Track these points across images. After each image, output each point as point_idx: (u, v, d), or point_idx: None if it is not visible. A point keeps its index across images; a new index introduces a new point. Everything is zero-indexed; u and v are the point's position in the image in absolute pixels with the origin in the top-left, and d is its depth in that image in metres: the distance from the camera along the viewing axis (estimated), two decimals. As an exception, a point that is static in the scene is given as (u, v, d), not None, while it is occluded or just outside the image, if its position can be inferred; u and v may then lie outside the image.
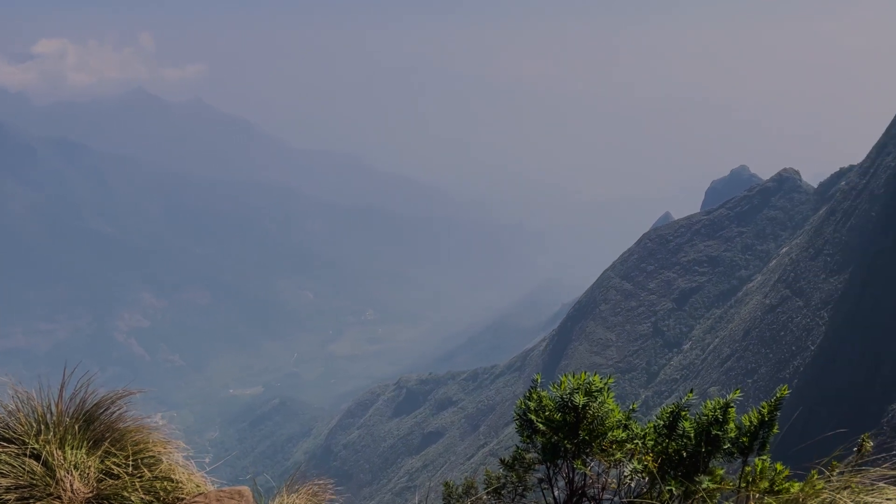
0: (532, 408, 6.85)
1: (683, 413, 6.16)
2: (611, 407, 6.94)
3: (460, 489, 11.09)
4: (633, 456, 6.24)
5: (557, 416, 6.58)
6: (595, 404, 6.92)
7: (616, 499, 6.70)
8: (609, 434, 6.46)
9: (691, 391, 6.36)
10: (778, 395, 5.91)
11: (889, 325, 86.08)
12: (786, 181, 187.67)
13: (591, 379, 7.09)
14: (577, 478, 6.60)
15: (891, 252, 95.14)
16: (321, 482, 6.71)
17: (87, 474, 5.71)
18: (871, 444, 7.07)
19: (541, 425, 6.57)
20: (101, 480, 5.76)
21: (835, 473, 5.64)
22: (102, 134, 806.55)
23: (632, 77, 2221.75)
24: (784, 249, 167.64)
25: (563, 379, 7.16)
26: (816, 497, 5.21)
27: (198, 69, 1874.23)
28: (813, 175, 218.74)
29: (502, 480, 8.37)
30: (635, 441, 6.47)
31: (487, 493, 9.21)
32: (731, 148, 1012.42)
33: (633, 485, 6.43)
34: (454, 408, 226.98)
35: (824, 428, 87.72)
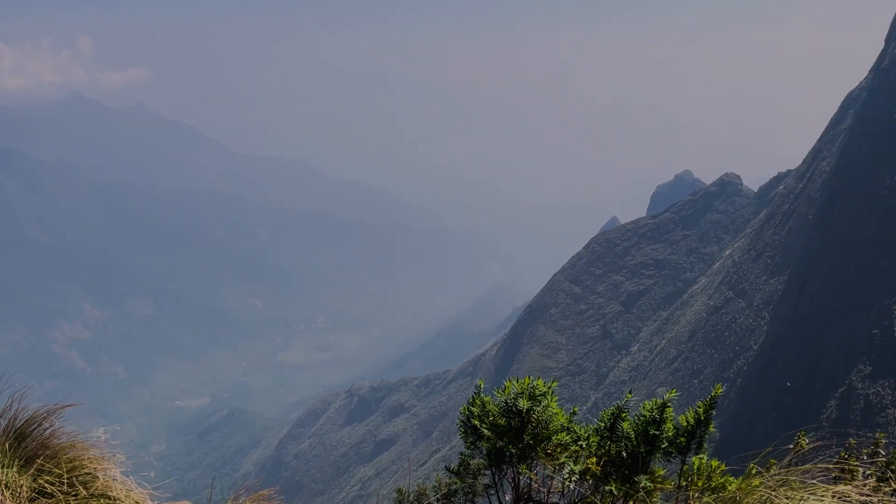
0: (476, 413, 6.88)
1: (623, 414, 6.28)
2: (555, 411, 7.00)
3: (412, 496, 11.06)
4: (576, 460, 6.33)
5: (502, 421, 6.63)
6: (539, 408, 6.96)
7: (562, 502, 6.76)
8: (553, 438, 6.53)
9: (630, 392, 6.49)
10: (713, 394, 6.08)
11: (826, 324, 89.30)
12: (728, 186, 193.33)
13: (534, 383, 7.13)
14: (522, 482, 6.66)
15: (827, 253, 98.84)
16: (269, 492, 6.60)
17: (19, 494, 5.52)
18: (807, 440, 7.33)
19: (485, 431, 6.61)
20: (34, 500, 5.57)
21: (772, 470, 5.80)
22: (40, 140, 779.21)
23: (579, 84, 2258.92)
24: (727, 252, 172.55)
25: (507, 384, 7.20)
26: (753, 494, 5.35)
27: (139, 73, 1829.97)
28: (753, 179, 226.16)
29: (453, 487, 8.38)
30: (579, 444, 6.56)
31: (438, 500, 9.19)
32: (676, 153, 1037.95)
33: (577, 488, 6.52)
34: (407, 414, 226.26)
35: (767, 425, 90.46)
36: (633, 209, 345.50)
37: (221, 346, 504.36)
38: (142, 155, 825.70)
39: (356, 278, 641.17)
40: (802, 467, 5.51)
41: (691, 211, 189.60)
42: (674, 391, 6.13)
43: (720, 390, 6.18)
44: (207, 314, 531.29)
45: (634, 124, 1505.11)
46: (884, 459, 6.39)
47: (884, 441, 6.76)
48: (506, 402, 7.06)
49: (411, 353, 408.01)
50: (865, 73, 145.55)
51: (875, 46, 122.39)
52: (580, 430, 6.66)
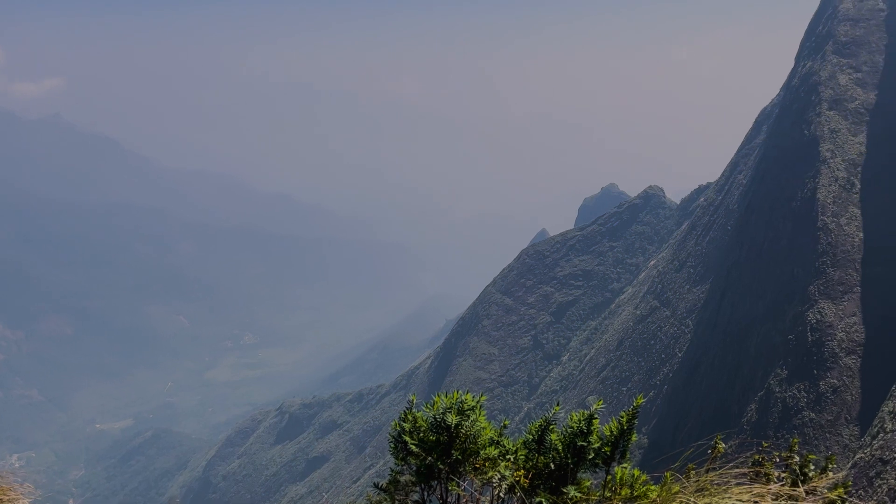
0: (407, 429, 6.81)
1: (551, 427, 6.33)
2: (483, 425, 6.98)
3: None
4: (502, 478, 6.32)
5: (431, 436, 6.57)
6: (467, 423, 6.93)
7: (492, 515, 6.73)
8: (482, 452, 6.51)
9: (557, 404, 6.56)
10: (635, 404, 6.19)
11: (745, 330, 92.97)
12: (651, 198, 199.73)
13: (463, 397, 7.10)
14: (451, 498, 6.61)
15: (745, 263, 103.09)
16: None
17: None
18: (724, 445, 7.56)
19: (413, 447, 6.54)
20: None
21: (691, 476, 5.94)
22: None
23: (509, 99, 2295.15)
24: (652, 262, 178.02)
25: (436, 399, 7.15)
26: (673, 500, 5.46)
27: (56, 83, 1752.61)
28: (676, 192, 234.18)
29: (384, 504, 8.25)
30: (507, 457, 6.56)
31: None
32: (602, 167, 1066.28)
33: (507, 500, 6.52)
34: (339, 430, 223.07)
35: (693, 430, 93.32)
36: (561, 221, 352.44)
37: (145, 366, 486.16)
38: (59, 168, 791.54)
39: (287, 293, 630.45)
40: (720, 471, 5.66)
41: (617, 223, 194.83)
42: (600, 402, 6.22)
43: (641, 400, 6.31)
44: (130, 333, 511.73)
45: (562, 139, 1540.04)
46: (798, 462, 6.66)
47: (797, 445, 7.05)
48: (434, 418, 7.00)
49: (344, 368, 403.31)
50: (777, 90, 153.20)
51: (786, 64, 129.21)
52: (509, 444, 6.67)
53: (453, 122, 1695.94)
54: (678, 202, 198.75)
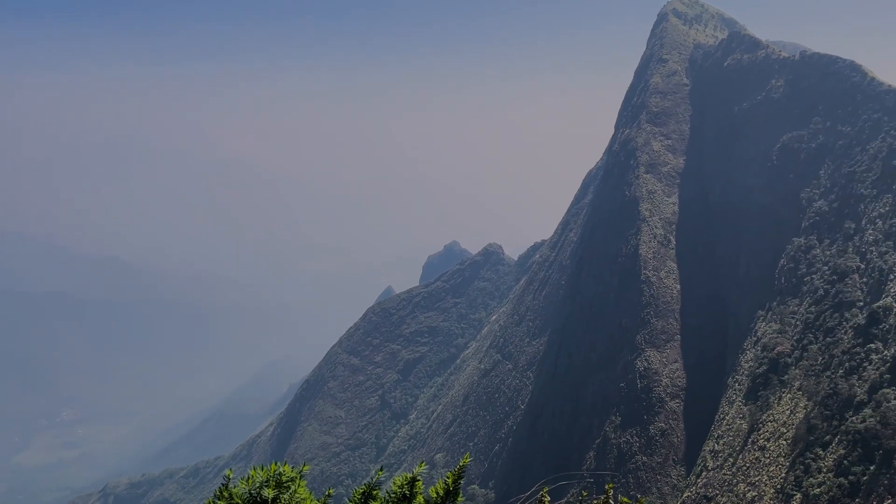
0: (221, 508, 5.89)
1: (374, 492, 5.64)
2: (303, 496, 6.26)
3: None
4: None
5: (248, 513, 5.69)
6: (286, 496, 6.22)
7: None
8: (302, 527, 5.68)
9: (381, 469, 5.86)
10: (461, 464, 5.73)
11: (581, 380, 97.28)
12: (491, 255, 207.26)
13: (281, 469, 6.39)
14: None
15: (578, 316, 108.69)
16: None
17: None
18: (549, 498, 7.17)
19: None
20: None
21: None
22: None
23: (352, 158, 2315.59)
24: (493, 317, 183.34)
25: (252, 472, 6.43)
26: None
27: None
28: (514, 249, 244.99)
29: None
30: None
31: None
32: (444, 225, 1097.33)
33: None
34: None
35: (537, 480, 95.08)
36: (407, 278, 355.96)
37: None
38: None
39: (111, 363, 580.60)
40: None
41: (460, 279, 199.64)
42: (423, 464, 5.62)
43: (468, 460, 5.88)
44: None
45: (406, 198, 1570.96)
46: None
47: (612, 490, 6.88)
48: (250, 493, 6.17)
49: (177, 442, 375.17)
50: (601, 155, 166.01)
51: (608, 130, 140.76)
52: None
53: (294, 179, 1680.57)
54: (516, 258, 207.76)
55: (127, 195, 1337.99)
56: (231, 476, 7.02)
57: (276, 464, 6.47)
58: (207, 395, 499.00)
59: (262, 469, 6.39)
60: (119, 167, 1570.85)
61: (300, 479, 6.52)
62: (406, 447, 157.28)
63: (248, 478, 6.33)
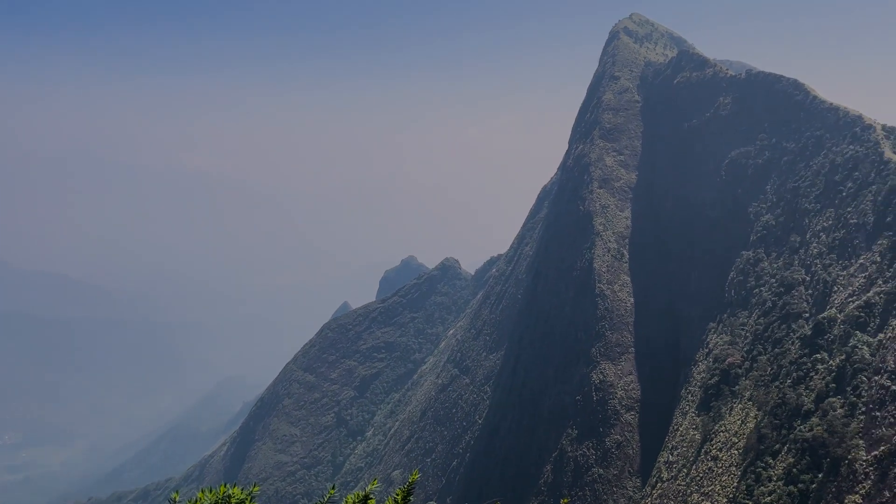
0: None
1: (328, 514, 5.48)
2: None
3: None
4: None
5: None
6: None
7: None
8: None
9: (333, 487, 5.72)
10: (410, 480, 5.63)
11: (538, 394, 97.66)
12: (448, 269, 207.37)
13: (230, 491, 6.16)
14: None
15: (535, 329, 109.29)
16: None
17: None
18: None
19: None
20: None
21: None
22: None
23: (309, 172, 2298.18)
24: (451, 331, 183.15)
25: (199, 495, 6.18)
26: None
27: None
28: (471, 263, 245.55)
29: None
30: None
31: None
32: (402, 238, 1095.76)
33: None
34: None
35: (495, 496, 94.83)
36: (364, 294, 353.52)
37: None
38: None
39: (57, 383, 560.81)
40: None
41: (417, 294, 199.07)
42: (375, 482, 5.49)
43: (416, 476, 5.78)
44: None
45: (363, 212, 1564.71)
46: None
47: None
48: None
49: (127, 463, 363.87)
50: (556, 170, 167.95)
51: (562, 146, 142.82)
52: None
53: (251, 195, 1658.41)
54: (473, 273, 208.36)
55: (75, 211, 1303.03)
56: (177, 499, 6.77)
57: (225, 485, 6.26)
58: (159, 415, 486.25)
59: (211, 491, 6.20)
60: (65, 182, 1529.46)
61: (250, 500, 6.32)
62: (363, 464, 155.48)
63: (196, 500, 6.13)
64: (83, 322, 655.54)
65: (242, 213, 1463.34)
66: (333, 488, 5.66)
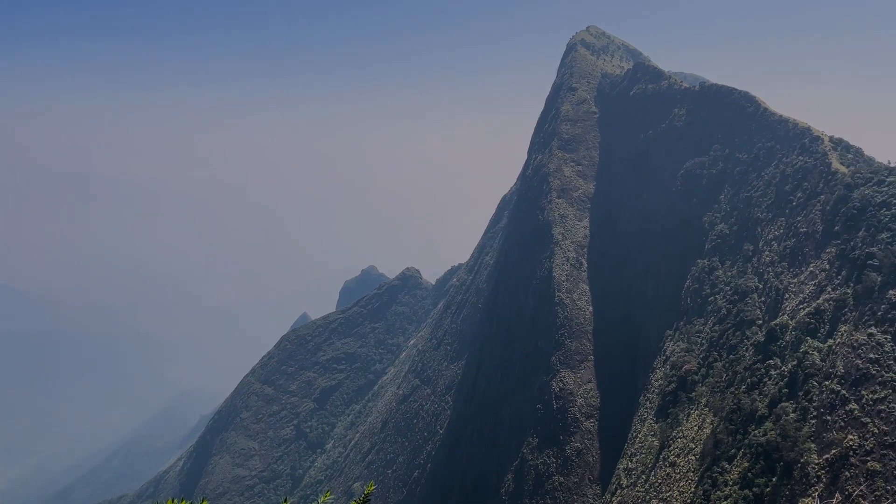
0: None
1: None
2: None
3: None
4: None
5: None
6: None
7: None
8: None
9: (285, 500, 5.52)
10: (366, 492, 5.49)
11: (499, 403, 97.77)
12: (409, 279, 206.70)
13: None
14: None
15: (495, 338, 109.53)
16: None
17: None
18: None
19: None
20: None
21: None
22: None
23: (269, 182, 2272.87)
24: (412, 342, 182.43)
25: None
26: None
27: None
28: (431, 272, 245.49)
29: None
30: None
31: None
32: (362, 248, 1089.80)
33: None
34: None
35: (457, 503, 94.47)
36: (323, 304, 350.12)
37: None
38: None
39: (3, 399, 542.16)
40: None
41: (378, 304, 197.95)
42: (329, 493, 5.32)
43: (372, 488, 5.66)
44: None
45: (322, 222, 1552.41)
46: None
47: None
48: None
49: (78, 481, 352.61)
50: (514, 180, 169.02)
51: (520, 157, 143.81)
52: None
53: (201, 205, 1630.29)
54: (434, 282, 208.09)
55: (18, 221, 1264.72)
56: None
57: (173, 500, 6.01)
58: (112, 430, 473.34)
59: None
60: (9, 193, 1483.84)
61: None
62: (323, 477, 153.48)
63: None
64: (31, 336, 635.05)
65: (199, 223, 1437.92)
66: (286, 501, 5.48)
